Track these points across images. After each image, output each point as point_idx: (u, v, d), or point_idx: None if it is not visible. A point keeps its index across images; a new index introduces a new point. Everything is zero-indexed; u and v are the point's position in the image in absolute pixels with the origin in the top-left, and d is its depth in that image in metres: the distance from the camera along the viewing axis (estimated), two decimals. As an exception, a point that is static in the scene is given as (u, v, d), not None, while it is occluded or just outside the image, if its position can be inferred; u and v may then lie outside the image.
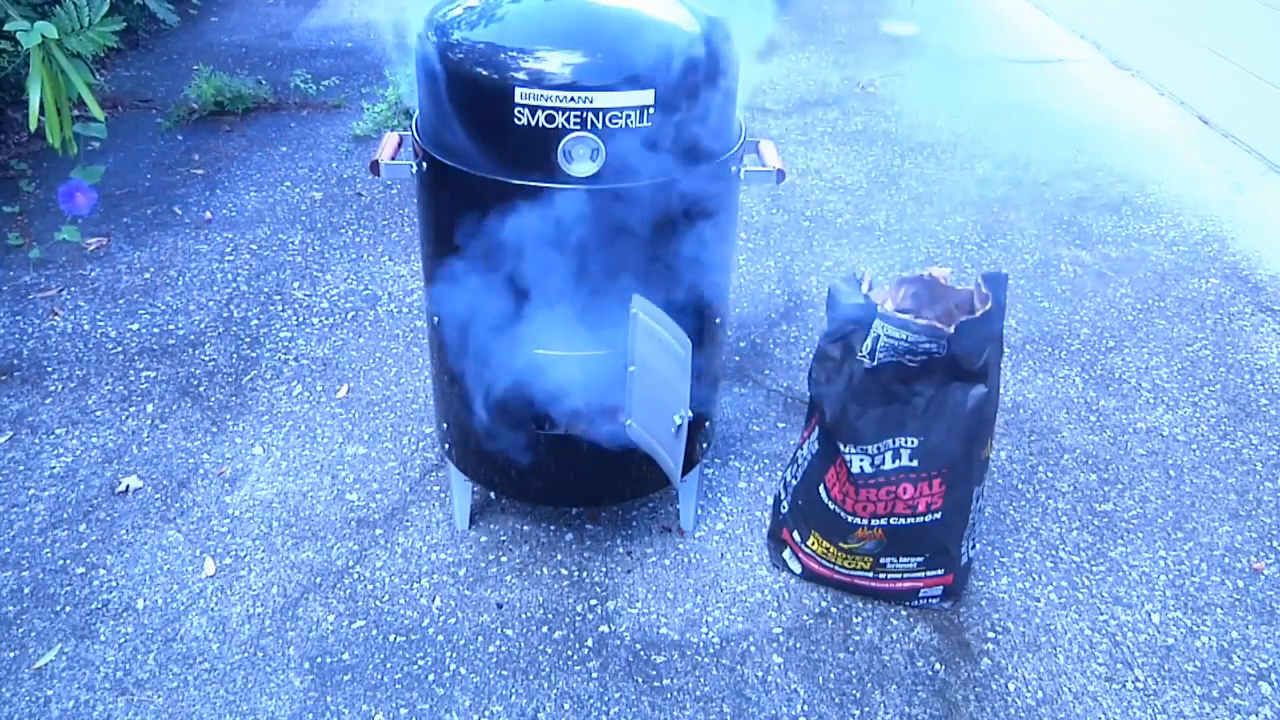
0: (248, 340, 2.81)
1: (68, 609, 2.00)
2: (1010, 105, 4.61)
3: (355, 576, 2.08)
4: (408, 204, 3.51)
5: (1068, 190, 3.81)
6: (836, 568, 2.00)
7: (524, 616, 1.99)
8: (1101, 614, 2.04)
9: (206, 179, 3.70)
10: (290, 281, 3.08)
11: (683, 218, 1.68)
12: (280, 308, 2.95)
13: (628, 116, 1.55)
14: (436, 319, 1.91)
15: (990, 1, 6.32)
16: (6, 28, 2.65)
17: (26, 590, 2.03)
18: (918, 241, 3.41)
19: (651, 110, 1.55)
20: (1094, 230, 3.53)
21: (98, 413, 2.52)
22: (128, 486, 2.30)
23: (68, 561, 2.10)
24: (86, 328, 2.84)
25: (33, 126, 2.75)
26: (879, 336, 1.76)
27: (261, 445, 2.43)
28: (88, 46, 2.75)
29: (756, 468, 2.39)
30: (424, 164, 1.73)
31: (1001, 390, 2.24)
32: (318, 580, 2.07)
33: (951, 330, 1.73)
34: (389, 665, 1.90)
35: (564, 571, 2.10)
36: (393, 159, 1.81)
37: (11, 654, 1.90)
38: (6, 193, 3.50)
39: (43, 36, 2.60)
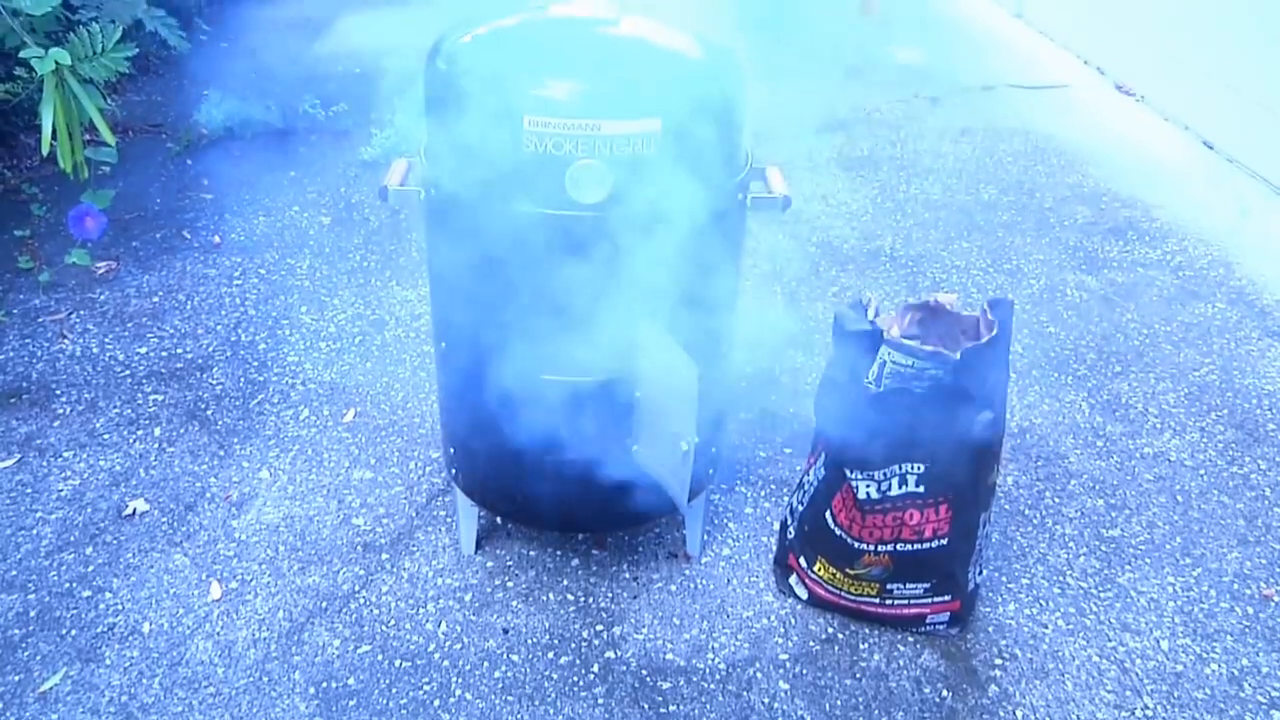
0: (255, 364, 2.82)
1: (73, 632, 2.00)
2: (1015, 130, 4.63)
3: (361, 601, 2.08)
4: (415, 229, 3.53)
5: (1073, 215, 3.82)
6: (843, 594, 1.99)
7: (530, 642, 1.99)
8: (1110, 640, 2.03)
9: (215, 203, 3.72)
10: (298, 306, 3.10)
11: (690, 244, 1.68)
12: (288, 332, 2.97)
13: (635, 144, 1.56)
14: (443, 344, 1.91)
15: (995, 28, 6.36)
16: (22, 54, 2.68)
17: (32, 614, 2.03)
18: (924, 267, 3.41)
19: (659, 138, 1.57)
20: (1100, 255, 3.53)
21: (105, 436, 2.53)
22: (135, 510, 2.30)
23: (74, 584, 2.10)
24: (95, 351, 2.85)
25: (44, 151, 2.78)
26: (885, 363, 1.77)
27: (268, 469, 2.43)
28: (100, 72, 2.77)
29: (763, 493, 2.39)
30: (432, 190, 1.75)
31: (1008, 415, 2.24)
32: (323, 605, 2.07)
33: (958, 356, 1.73)
34: (394, 690, 1.90)
35: (570, 597, 2.09)
36: (401, 185, 1.82)
37: (16, 678, 1.90)
38: (18, 216, 3.53)
39: (56, 63, 2.63)
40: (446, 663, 1.95)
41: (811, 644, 2.00)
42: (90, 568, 2.14)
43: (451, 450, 2.06)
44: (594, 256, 1.64)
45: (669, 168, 1.60)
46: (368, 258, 3.38)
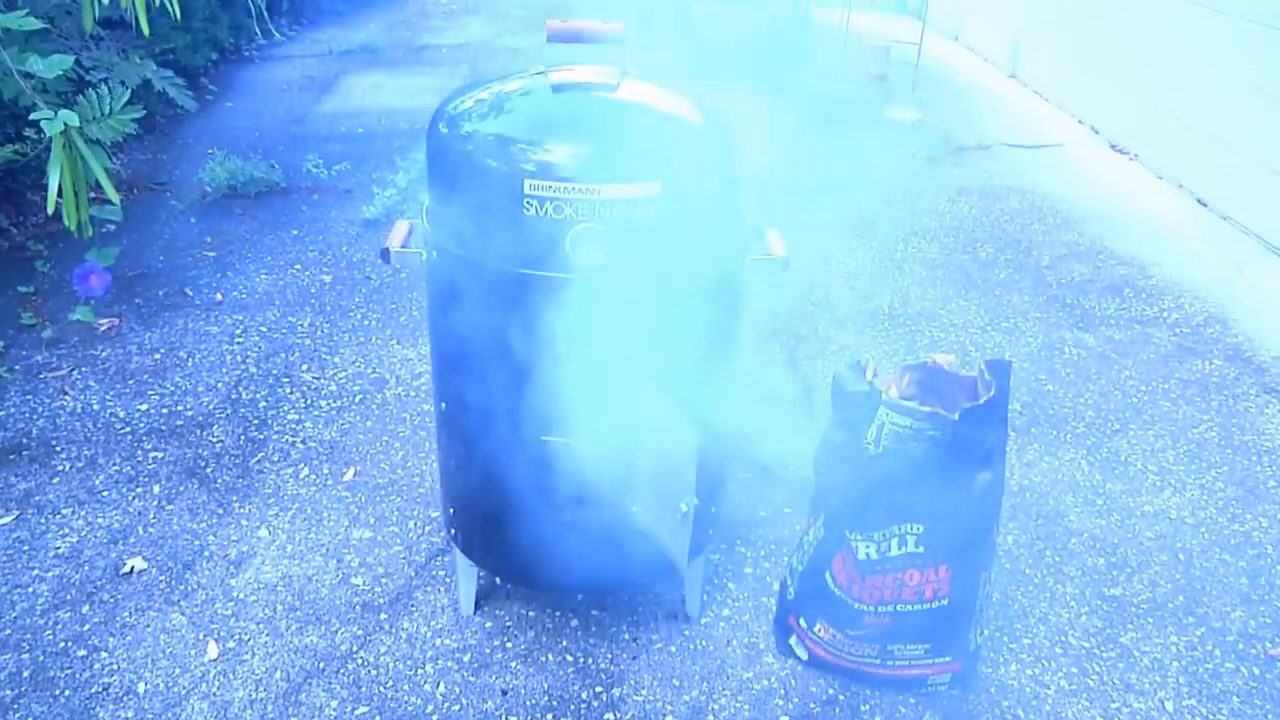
0: (255, 422, 2.83)
1: (67, 693, 1.98)
2: (1012, 189, 4.69)
3: (359, 662, 2.07)
4: (416, 288, 3.57)
5: (1070, 273, 3.86)
6: (844, 655, 1.98)
7: (529, 703, 1.98)
8: (1114, 701, 2.02)
9: (218, 261, 3.76)
10: (299, 364, 3.12)
11: (689, 305, 1.71)
12: (288, 390, 2.98)
13: (634, 207, 1.59)
14: (443, 404, 1.93)
15: (990, 88, 6.46)
16: (32, 116, 2.73)
17: (26, 674, 2.02)
18: (922, 325, 3.44)
19: (658, 201, 1.59)
20: (1097, 312, 3.56)
21: (104, 493, 2.53)
22: (133, 568, 2.30)
23: (69, 644, 2.09)
24: (96, 408, 2.87)
25: (50, 209, 2.81)
26: (884, 424, 1.78)
27: (267, 528, 2.43)
28: (107, 133, 2.82)
29: (763, 553, 2.39)
30: (433, 252, 1.78)
31: (1007, 474, 2.24)
32: (321, 665, 2.06)
33: (956, 417, 1.75)
34: (391, 754, 1.88)
35: (569, 658, 2.08)
36: (403, 247, 1.85)
37: (10, 741, 1.89)
38: (22, 273, 3.56)
39: (65, 124, 2.68)
40: (444, 725, 1.93)
41: (812, 705, 1.99)
42: (86, 626, 2.14)
43: (451, 510, 2.06)
44: (594, 318, 1.65)
45: (669, 230, 1.63)
46: (368, 316, 3.41)
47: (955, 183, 4.74)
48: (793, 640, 2.07)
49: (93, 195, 3.43)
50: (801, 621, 2.03)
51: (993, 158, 5.10)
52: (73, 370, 3.04)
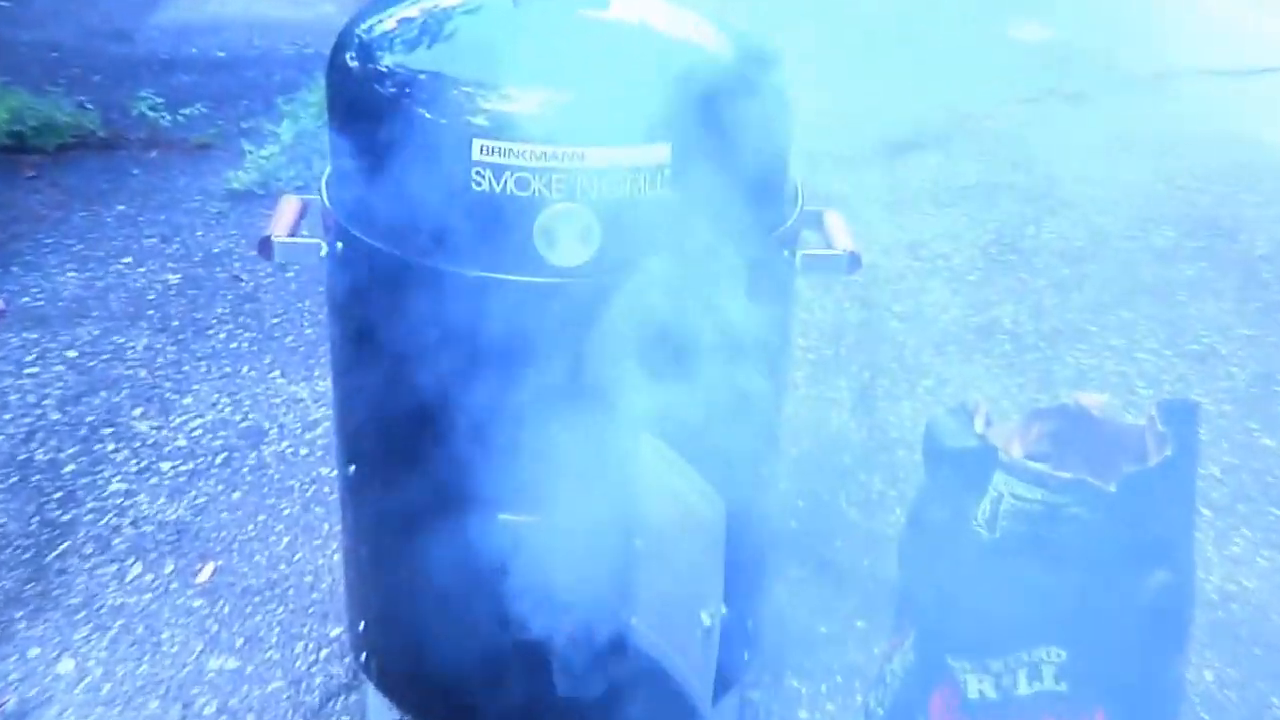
0: (57, 496, 2.83)
1: None
2: (1207, 138, 4.72)
3: None
4: (311, 295, 3.58)
5: (1299, 268, 3.90)
6: (948, 844, 2.02)
7: None
8: None
9: (-1, 249, 3.80)
10: (128, 407, 3.14)
11: (712, 324, 1.72)
12: (112, 446, 3.00)
13: (634, 181, 1.62)
14: (352, 467, 1.96)
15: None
16: None
17: None
18: (1060, 350, 3.48)
19: (668, 172, 1.62)
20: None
21: None
22: None
23: None
24: None
25: None
26: (1002, 496, 1.80)
27: (73, 657, 2.42)
28: None
29: (824, 689, 2.40)
30: (339, 244, 1.81)
31: (1200, 575, 2.25)
32: None
33: (1113, 488, 1.76)
34: None
35: None
36: (292, 235, 1.89)
37: None
38: None
39: None
40: None
41: None
42: None
43: (362, 625, 2.08)
44: (574, 343, 1.68)
45: (682, 214, 1.65)
46: (237, 336, 3.44)
47: (1114, 132, 4.78)
48: (871, 823, 2.10)
49: None
50: (884, 794, 2.07)
51: (1175, 93, 5.13)
52: None
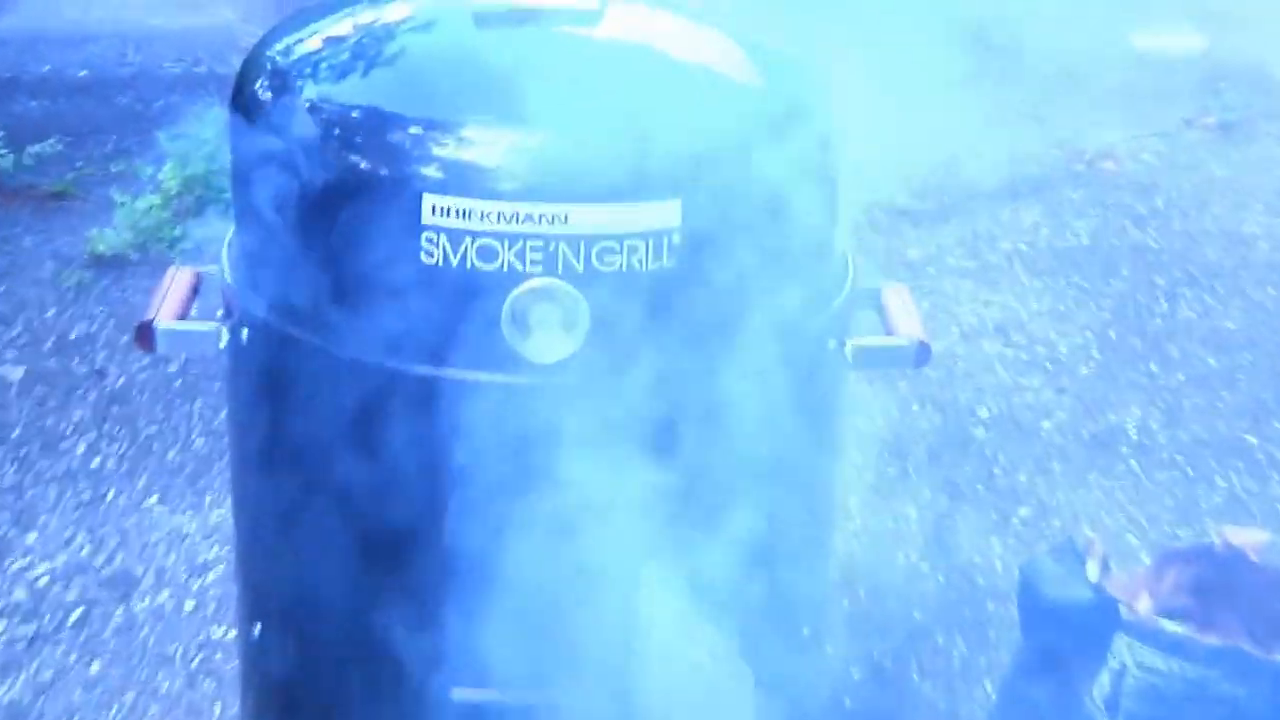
0: None
1: None
2: None
3: None
4: (203, 395, 3.50)
5: None
6: None
7: None
8: None
9: None
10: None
11: (736, 439, 1.69)
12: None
13: (634, 250, 1.58)
14: (258, 626, 1.91)
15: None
16: None
17: None
18: (1204, 468, 3.42)
19: (677, 238, 1.59)
20: None
21: None
22: None
23: None
24: None
25: None
26: (1125, 667, 1.76)
27: None
28: None
29: None
30: (244, 331, 1.77)
31: None
32: None
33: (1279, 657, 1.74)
34: None
35: None
36: (182, 318, 1.85)
37: None
38: None
39: None
40: None
41: None
42: None
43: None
44: (554, 462, 1.63)
45: (695, 294, 1.62)
46: (101, 450, 3.40)
47: (1278, 176, 4.74)
48: None
49: None
50: None
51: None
52: None
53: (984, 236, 4.34)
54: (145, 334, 1.81)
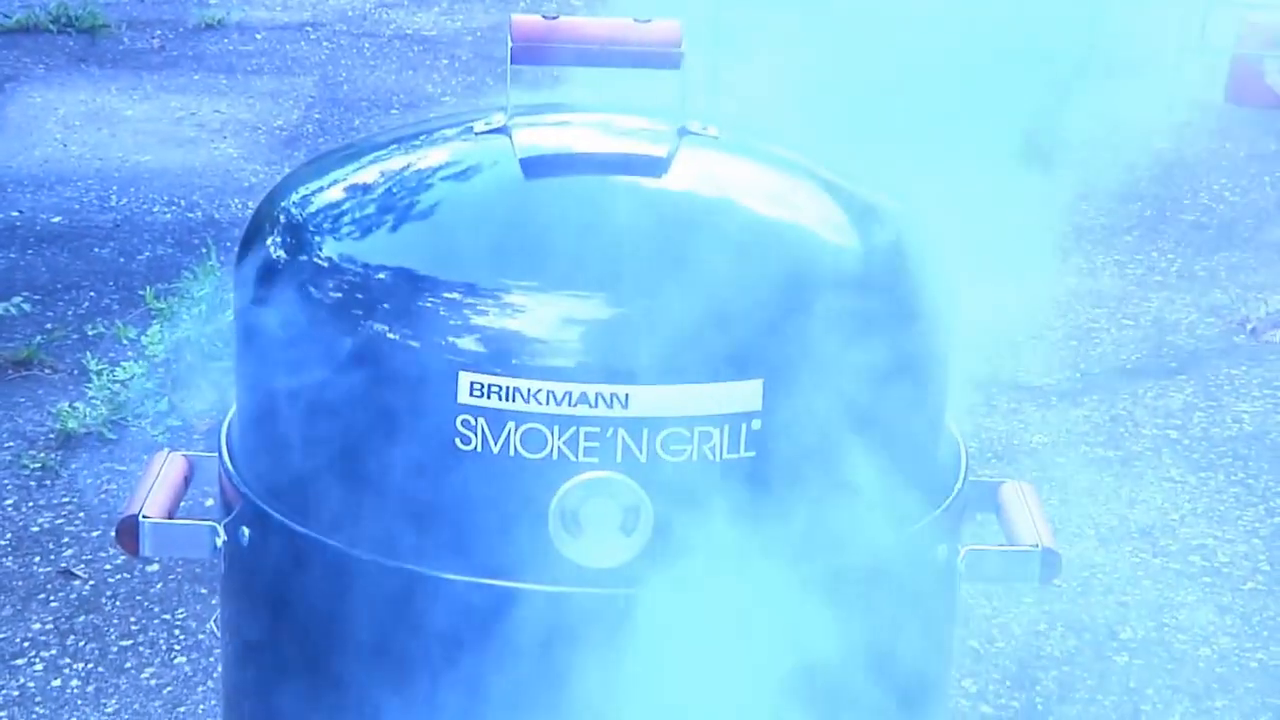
0: None
1: None
2: None
3: None
4: (189, 604, 3.49)
5: None
6: None
7: None
8: None
9: None
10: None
11: (823, 662, 1.69)
12: None
13: (706, 438, 1.63)
14: None
15: None
16: None
17: None
18: None
19: (758, 424, 1.63)
20: None
21: None
22: None
23: None
24: None
25: None
26: None
27: None
28: None
29: None
30: (245, 530, 1.80)
31: None
32: None
33: None
34: None
35: None
36: (171, 516, 1.89)
37: None
38: None
39: None
40: None
41: None
42: None
43: None
44: (609, 684, 1.66)
45: (777, 489, 1.67)
46: (62, 670, 3.45)
47: None
48: None
49: None
50: None
51: None
52: None
53: (1125, 420, 4.37)
54: (129, 532, 1.82)
